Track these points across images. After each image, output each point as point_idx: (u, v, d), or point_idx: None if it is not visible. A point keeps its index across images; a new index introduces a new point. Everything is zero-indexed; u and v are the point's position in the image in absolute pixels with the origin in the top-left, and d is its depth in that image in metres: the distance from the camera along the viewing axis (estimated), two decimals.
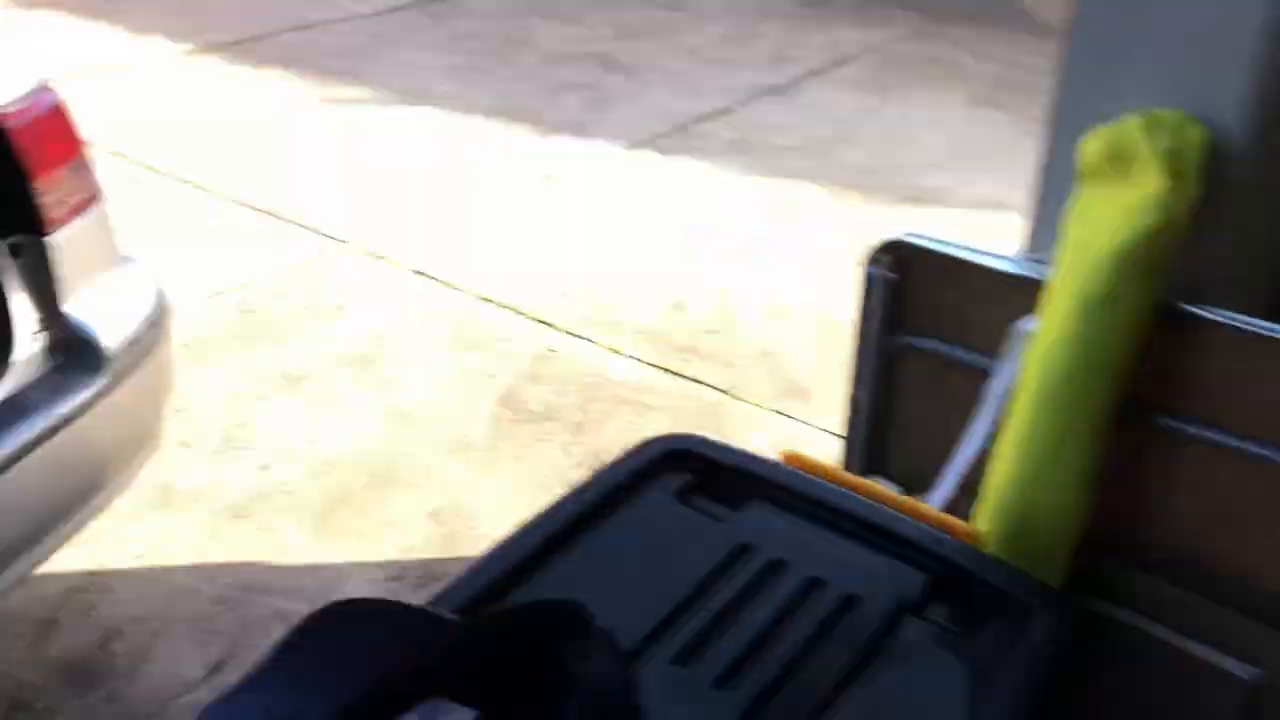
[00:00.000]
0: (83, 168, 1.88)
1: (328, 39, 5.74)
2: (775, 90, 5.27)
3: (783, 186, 4.30)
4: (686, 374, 3.13)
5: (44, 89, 1.83)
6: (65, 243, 1.82)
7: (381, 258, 3.71)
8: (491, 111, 4.93)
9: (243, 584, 2.36)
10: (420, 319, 3.37)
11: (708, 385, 3.08)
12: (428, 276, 3.59)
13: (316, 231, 3.85)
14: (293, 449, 2.78)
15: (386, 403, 2.98)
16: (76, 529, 1.86)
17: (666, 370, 3.14)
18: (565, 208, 4.09)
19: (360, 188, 4.19)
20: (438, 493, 2.65)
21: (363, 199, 4.10)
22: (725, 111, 5.01)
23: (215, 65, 5.35)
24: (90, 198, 1.88)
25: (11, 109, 1.75)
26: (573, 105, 5.04)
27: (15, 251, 1.79)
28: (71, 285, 1.84)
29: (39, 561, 1.81)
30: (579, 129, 4.79)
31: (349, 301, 3.45)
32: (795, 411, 2.98)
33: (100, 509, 1.91)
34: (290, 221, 3.91)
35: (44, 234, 1.79)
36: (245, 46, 5.54)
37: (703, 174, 4.40)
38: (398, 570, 2.42)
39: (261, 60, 5.40)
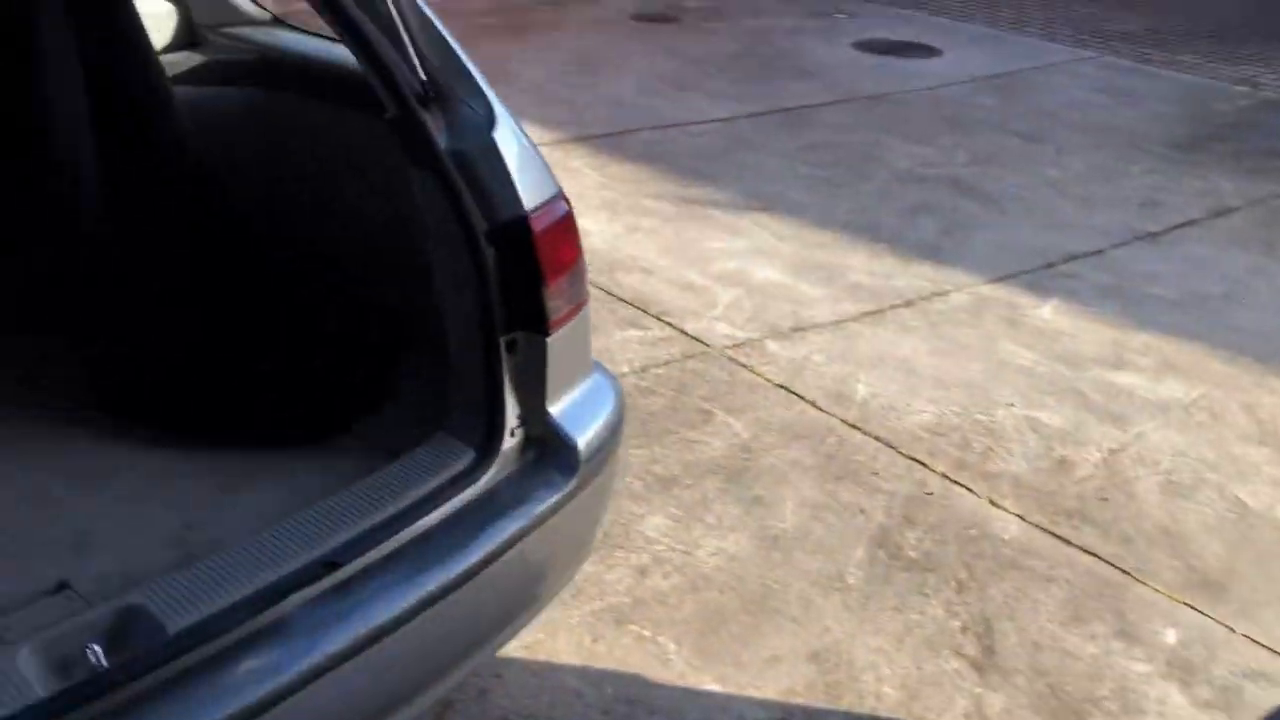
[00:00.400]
0: (580, 274, 1.92)
1: (686, 139, 5.91)
2: (1148, 236, 4.95)
3: (1165, 344, 3.99)
4: (1078, 543, 2.88)
5: (559, 197, 1.89)
6: (557, 344, 1.85)
7: (744, 366, 3.69)
8: (847, 226, 4.88)
9: (626, 696, 2.31)
10: (786, 437, 3.30)
11: (1104, 560, 2.82)
12: (792, 393, 3.53)
13: (680, 330, 3.89)
14: (668, 557, 2.75)
15: (756, 522, 2.91)
16: (523, 628, 1.86)
17: (1055, 535, 2.91)
18: (929, 338, 3.95)
19: (720, 290, 4.21)
20: (816, 633, 2.54)
21: (723, 302, 4.12)
22: (1095, 253, 4.74)
23: (582, 155, 5.60)
24: (582, 303, 1.92)
25: (537, 214, 1.81)
26: (930, 229, 4.92)
27: (511, 348, 1.84)
28: (555, 386, 1.87)
29: (488, 658, 1.82)
30: (937, 254, 4.65)
31: (714, 408, 3.44)
32: (1209, 608, 2.67)
33: (541, 610, 1.91)
34: (654, 317, 3.97)
35: (545, 335, 1.83)
36: (610, 140, 5.78)
37: (1075, 318, 4.15)
38: (781, 713, 2.31)
39: (624, 154, 5.61)
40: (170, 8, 2.30)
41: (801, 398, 3.51)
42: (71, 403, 1.96)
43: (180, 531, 1.70)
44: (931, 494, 3.07)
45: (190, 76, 2.19)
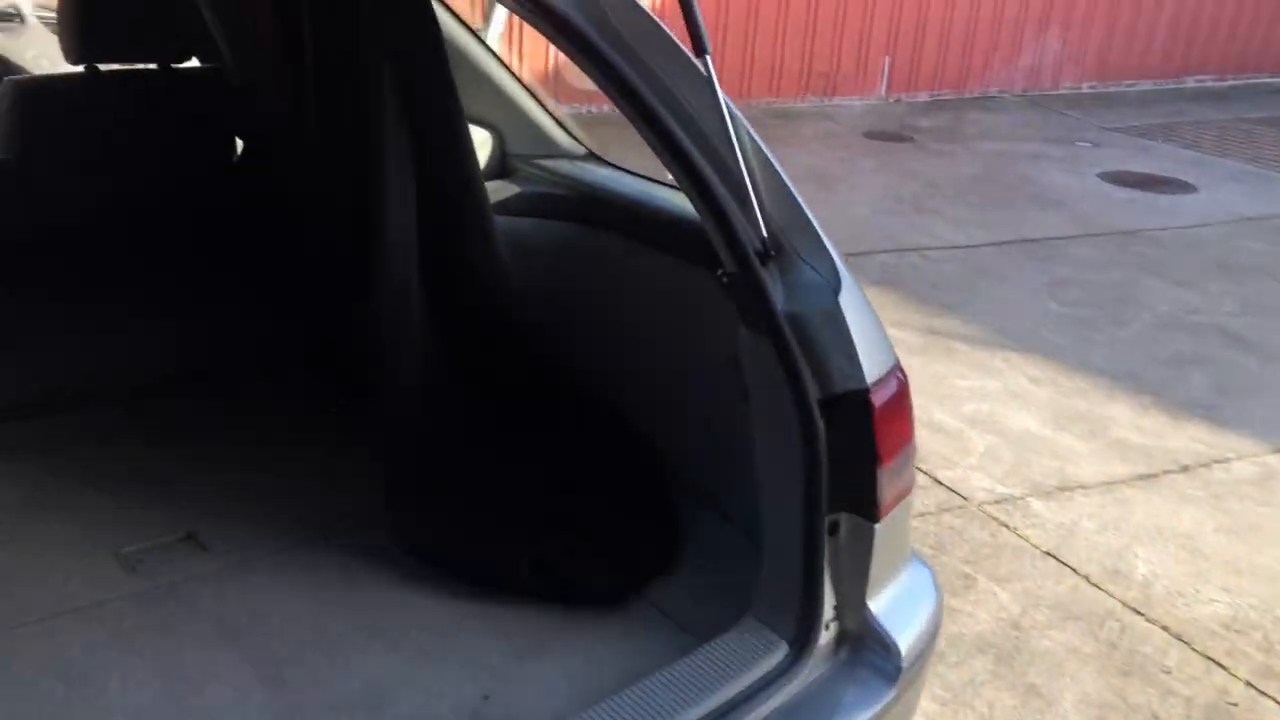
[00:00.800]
0: (912, 455, 1.74)
1: (926, 264, 5.70)
2: None
3: None
4: None
5: (897, 368, 1.73)
6: (884, 531, 1.67)
7: (1007, 526, 3.40)
8: (1106, 373, 4.54)
9: None
10: (1059, 616, 2.99)
11: None
12: (1063, 563, 3.22)
13: (933, 478, 3.64)
14: None
15: (1034, 717, 2.61)
16: None
17: None
18: (1213, 512, 3.56)
19: (974, 435, 3.95)
20: None
21: (978, 450, 3.85)
22: None
23: None
24: (908, 488, 1.74)
25: (877, 387, 1.65)
26: (1201, 384, 4.51)
27: (833, 530, 1.67)
28: (877, 577, 1.69)
29: None
30: (1212, 413, 4.25)
31: (977, 573, 3.16)
32: None
33: None
34: None
35: (873, 520, 1.65)
36: (846, 261, 5.62)
37: None
38: None
39: (861, 276, 5.35)
40: (486, 136, 2.30)
41: (1074, 570, 3.19)
42: (367, 540, 1.91)
43: (477, 704, 1.59)
44: (1236, 705, 2.69)
45: (503, 206, 2.16)
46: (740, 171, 1.66)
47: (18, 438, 2.15)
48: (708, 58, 1.64)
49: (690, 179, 1.65)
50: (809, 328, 1.64)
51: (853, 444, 1.64)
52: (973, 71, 9.52)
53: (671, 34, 1.73)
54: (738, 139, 1.66)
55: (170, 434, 2.21)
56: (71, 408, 2.24)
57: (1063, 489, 3.64)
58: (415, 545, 1.86)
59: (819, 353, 1.64)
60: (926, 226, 6.30)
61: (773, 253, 1.68)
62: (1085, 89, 10.12)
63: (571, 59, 1.70)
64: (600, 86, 1.69)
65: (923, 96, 9.35)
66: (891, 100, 9.22)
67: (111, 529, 1.90)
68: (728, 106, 1.66)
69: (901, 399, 1.71)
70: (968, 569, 3.18)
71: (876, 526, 1.66)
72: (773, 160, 1.71)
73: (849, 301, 1.66)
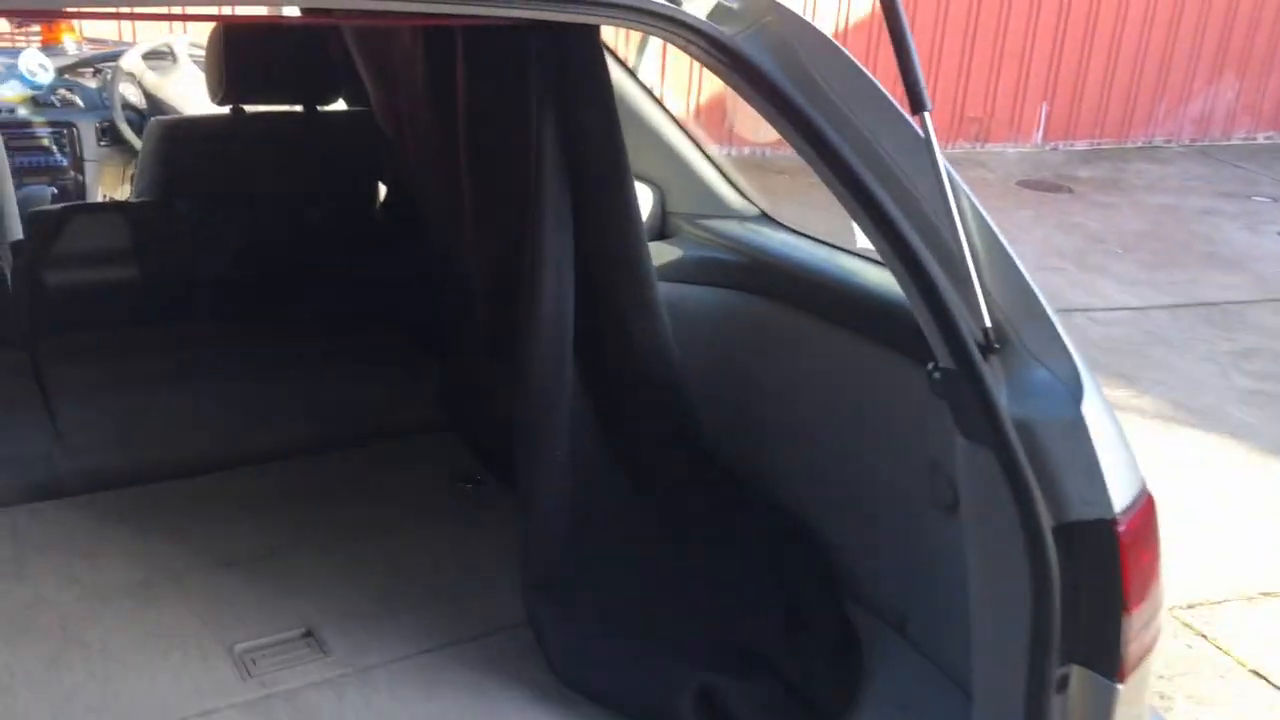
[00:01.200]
0: (1161, 599, 1.44)
1: (1093, 328, 5.28)
2: None
3: None
4: None
5: (1145, 493, 1.43)
6: (1128, 693, 1.37)
7: (1205, 636, 3.00)
8: None
9: None
10: None
11: None
12: (1275, 687, 2.81)
13: None
14: None
15: None
16: None
17: None
18: None
19: (1161, 525, 3.54)
20: None
21: (1167, 542, 3.44)
22: None
23: None
24: (1156, 639, 1.44)
25: (1125, 517, 1.36)
26: None
27: (1062, 685, 1.37)
28: None
29: None
30: None
31: (1171, 690, 2.78)
32: None
33: None
34: None
35: (1115, 680, 1.35)
36: None
37: None
38: None
39: None
40: (646, 192, 2.09)
41: None
42: (503, 649, 1.69)
43: None
44: None
45: (662, 271, 1.94)
46: (959, 247, 1.39)
47: (137, 506, 2.02)
48: (926, 115, 1.39)
49: (897, 252, 1.40)
50: (1042, 440, 1.36)
51: (1094, 584, 1.35)
52: (1136, 119, 8.98)
53: (882, 87, 1.49)
54: (958, 208, 1.40)
55: (294, 508, 2.04)
56: (196, 473, 2.10)
57: (1268, 595, 3.22)
58: (560, 662, 1.63)
59: (1053, 471, 1.35)
60: (1092, 285, 5.86)
61: (997, 346, 1.40)
62: (1262, 139, 9.45)
63: (763, 114, 1.47)
64: (794, 144, 1.46)
65: (1081, 145, 8.85)
66: (1048, 148, 8.76)
67: (228, 620, 1.73)
68: (948, 172, 1.40)
69: (1150, 531, 1.42)
70: (1162, 685, 2.80)
71: (1119, 687, 1.36)
72: (999, 235, 1.44)
73: (1092, 410, 1.37)
